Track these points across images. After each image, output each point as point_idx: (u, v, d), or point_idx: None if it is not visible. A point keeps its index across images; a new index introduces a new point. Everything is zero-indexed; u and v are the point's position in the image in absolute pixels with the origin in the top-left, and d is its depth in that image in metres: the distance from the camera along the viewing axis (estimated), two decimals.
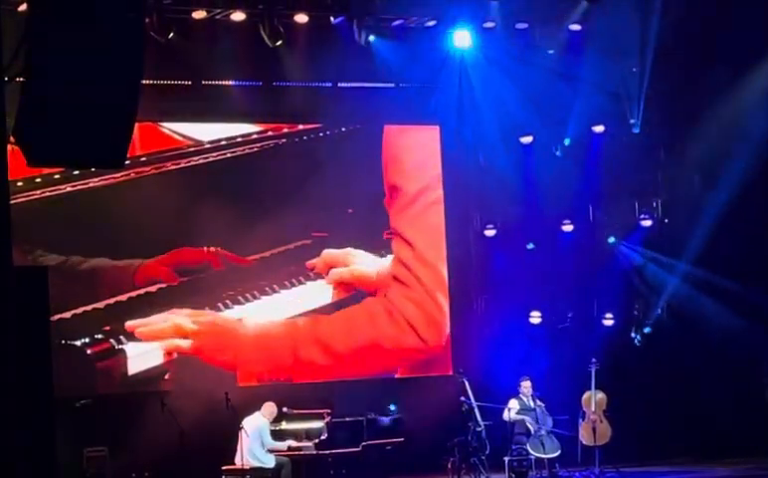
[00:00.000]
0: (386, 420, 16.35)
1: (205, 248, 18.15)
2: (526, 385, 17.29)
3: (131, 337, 17.48)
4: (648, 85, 19.04)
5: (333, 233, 19.06)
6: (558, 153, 19.85)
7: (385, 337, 19.11)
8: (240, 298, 18.32)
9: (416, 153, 19.81)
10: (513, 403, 17.12)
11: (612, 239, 20.10)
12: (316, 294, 18.92)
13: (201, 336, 17.85)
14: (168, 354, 17.69)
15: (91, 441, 15.95)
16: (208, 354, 17.90)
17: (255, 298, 18.43)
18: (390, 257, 19.35)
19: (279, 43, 17.78)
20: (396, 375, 19.34)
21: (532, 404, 17.11)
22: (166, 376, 17.68)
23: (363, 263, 19.15)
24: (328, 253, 18.96)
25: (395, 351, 19.20)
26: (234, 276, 18.35)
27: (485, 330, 19.60)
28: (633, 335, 19.77)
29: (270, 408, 15.79)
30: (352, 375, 18.76)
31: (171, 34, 17.11)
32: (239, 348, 18.11)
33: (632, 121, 19.43)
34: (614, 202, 19.80)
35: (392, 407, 16.57)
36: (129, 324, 17.41)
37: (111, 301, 17.52)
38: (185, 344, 17.68)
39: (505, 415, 17.00)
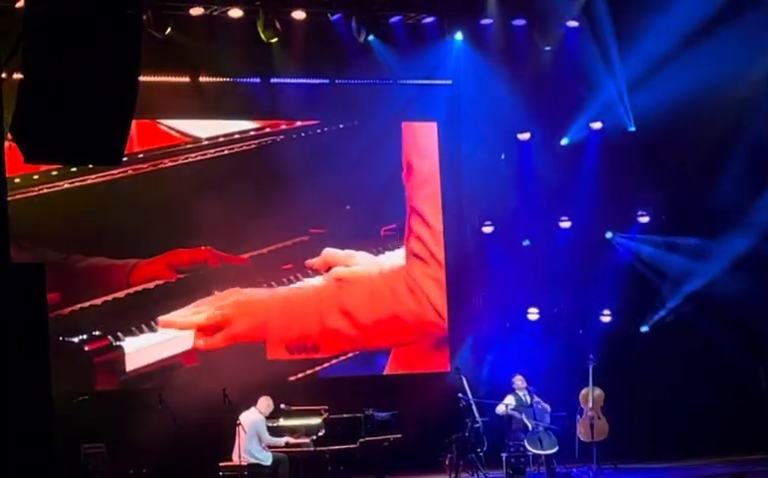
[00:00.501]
0: (383, 417, 16.33)
1: (202, 247, 18.17)
2: (519, 380, 17.26)
3: (129, 333, 17.51)
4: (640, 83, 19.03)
5: (331, 229, 19.06)
6: (559, 147, 19.90)
7: (406, 311, 19.30)
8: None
9: (429, 137, 19.90)
10: (509, 399, 17.10)
11: (609, 234, 20.10)
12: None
13: (233, 322, 18.12)
14: (192, 352, 17.83)
15: (89, 438, 15.94)
16: (243, 334, 18.17)
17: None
18: (387, 254, 19.38)
19: (273, 40, 17.82)
20: (394, 372, 19.37)
21: (529, 400, 17.11)
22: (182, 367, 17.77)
23: (365, 265, 19.19)
24: (330, 252, 18.98)
25: (416, 325, 19.38)
26: (232, 273, 18.36)
27: (483, 326, 19.61)
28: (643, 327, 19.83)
29: (265, 402, 15.71)
30: (375, 347, 19.03)
31: (169, 30, 17.13)
32: (268, 319, 18.37)
33: (628, 119, 19.47)
34: (612, 199, 19.79)
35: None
36: (163, 319, 17.66)
37: (110, 297, 17.54)
38: (219, 338, 18.01)
39: (499, 409, 16.96)
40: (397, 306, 19.20)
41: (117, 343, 17.45)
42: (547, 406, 17.11)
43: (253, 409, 15.65)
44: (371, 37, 18.54)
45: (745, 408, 18.57)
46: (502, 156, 20.01)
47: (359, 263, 19.16)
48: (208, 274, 18.22)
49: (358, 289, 18.98)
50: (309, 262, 18.84)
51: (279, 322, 18.46)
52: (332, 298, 18.81)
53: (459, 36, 19.29)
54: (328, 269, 18.97)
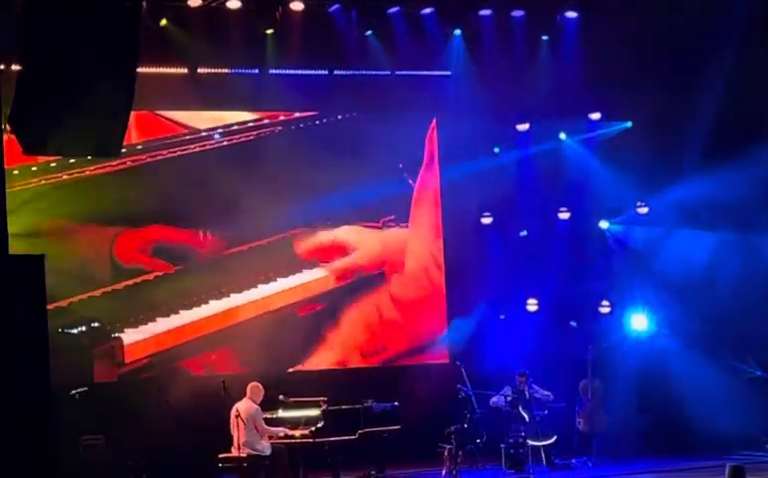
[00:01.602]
0: (383, 408, 16.32)
1: (199, 231, 18.21)
2: (522, 381, 17.30)
3: (128, 324, 17.53)
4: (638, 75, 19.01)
5: (330, 221, 19.07)
6: (557, 139, 19.92)
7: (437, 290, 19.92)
8: (235, 286, 18.38)
9: None
10: (507, 391, 17.16)
11: (606, 224, 20.07)
12: (315, 281, 19.03)
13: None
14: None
15: (88, 429, 15.94)
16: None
17: (252, 287, 18.48)
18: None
19: (269, 31, 17.83)
20: (393, 364, 19.40)
21: (527, 393, 17.16)
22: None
23: (364, 245, 19.35)
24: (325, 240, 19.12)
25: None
26: (231, 264, 18.38)
27: (482, 318, 19.61)
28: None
29: (255, 389, 15.47)
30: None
31: (165, 22, 17.14)
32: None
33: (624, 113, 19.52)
34: (610, 190, 19.77)
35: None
36: None
37: (108, 289, 17.57)
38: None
39: (493, 400, 16.98)
40: (432, 287, 19.74)
41: (116, 334, 17.47)
42: (549, 393, 17.15)
43: (245, 399, 15.52)
44: (369, 29, 18.54)
45: (747, 403, 18.56)
46: (496, 150, 20.00)
47: (358, 248, 19.38)
48: (207, 263, 18.23)
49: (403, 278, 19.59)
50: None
51: (352, 334, 19.20)
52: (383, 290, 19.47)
53: (457, 27, 19.29)
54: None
